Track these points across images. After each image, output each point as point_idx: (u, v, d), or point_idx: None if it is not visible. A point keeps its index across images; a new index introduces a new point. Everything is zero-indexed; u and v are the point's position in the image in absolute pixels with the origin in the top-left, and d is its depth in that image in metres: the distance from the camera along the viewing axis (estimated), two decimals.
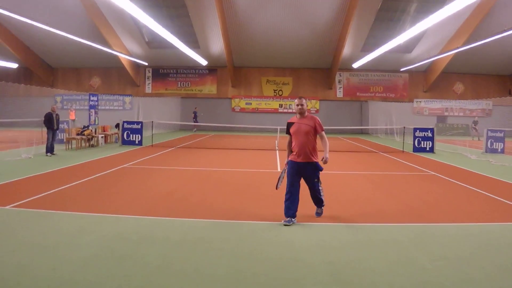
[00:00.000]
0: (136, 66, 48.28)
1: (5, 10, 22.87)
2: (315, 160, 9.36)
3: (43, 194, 11.80)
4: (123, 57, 43.28)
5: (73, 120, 25.86)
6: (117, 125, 29.40)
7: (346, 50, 41.97)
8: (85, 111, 41.99)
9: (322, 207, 10.04)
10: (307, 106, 22.46)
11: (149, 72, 49.20)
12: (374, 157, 22.85)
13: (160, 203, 11.14)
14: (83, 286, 5.98)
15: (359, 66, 44.35)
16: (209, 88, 48.65)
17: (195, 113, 45.53)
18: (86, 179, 14.33)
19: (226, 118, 46.93)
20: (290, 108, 47.46)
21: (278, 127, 28.55)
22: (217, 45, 42.38)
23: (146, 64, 46.46)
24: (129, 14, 34.43)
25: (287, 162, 9.53)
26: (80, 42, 33.40)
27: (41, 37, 41.98)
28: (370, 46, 40.59)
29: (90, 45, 34.78)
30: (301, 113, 9.48)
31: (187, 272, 6.58)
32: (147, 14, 23.77)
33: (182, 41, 32.93)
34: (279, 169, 17.67)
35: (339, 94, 47.86)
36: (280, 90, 47.84)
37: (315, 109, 47.23)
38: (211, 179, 14.89)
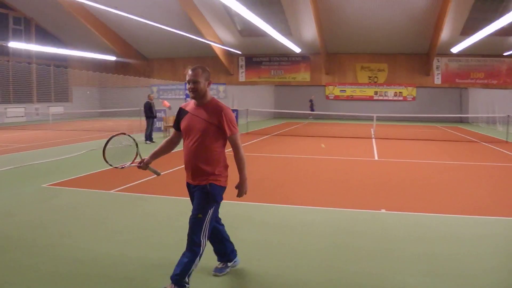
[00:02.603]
0: (229, 55, 48.72)
1: (102, 5, 23.62)
2: (211, 181, 5.45)
3: (145, 179, 12.31)
4: (216, 46, 43.76)
5: (169, 108, 26.42)
6: None
7: (444, 34, 40.44)
8: (180, 100, 42.81)
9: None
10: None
11: (242, 60, 49.57)
12: (474, 147, 21.96)
13: (256, 188, 11.27)
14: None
15: (458, 51, 42.59)
16: (303, 75, 48.45)
17: (311, 101, 45.64)
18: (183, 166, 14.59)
19: (320, 105, 46.45)
20: (385, 95, 46.52)
21: (374, 115, 28.19)
22: (310, 32, 42.03)
23: (239, 52, 46.77)
24: (221, 3, 34.70)
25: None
26: (174, 32, 33.99)
27: (136, 30, 43.09)
28: (470, 30, 38.90)
29: (184, 36, 35.36)
30: (196, 96, 5.45)
31: (284, 255, 6.67)
32: (239, 3, 23.89)
33: (274, 29, 32.90)
34: (376, 157, 17.46)
35: (437, 80, 46.24)
36: (375, 76, 46.94)
37: (412, 97, 46.07)
38: (305, 166, 14.95)
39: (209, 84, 5.46)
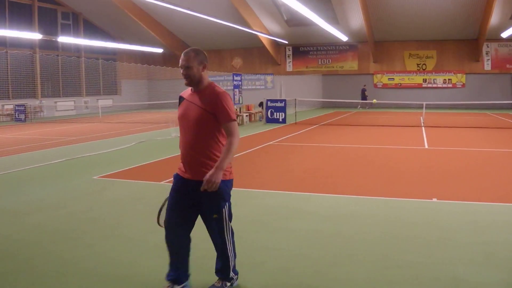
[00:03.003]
0: (276, 45, 48.65)
1: None
2: None
3: None
4: (263, 36, 43.78)
5: None
6: (260, 104, 29.94)
7: (494, 19, 39.46)
8: (228, 91, 43.03)
9: (230, 283, 5.24)
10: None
11: (289, 50, 49.43)
12: None
13: (307, 179, 11.32)
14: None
15: (508, 36, 41.73)
16: (350, 64, 48.04)
17: (363, 90, 45.36)
18: (235, 156, 14.67)
19: (368, 94, 46.06)
20: (434, 82, 45.72)
21: (424, 103, 27.76)
22: (357, 20, 41.59)
23: (286, 42, 46.69)
24: None
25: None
26: (220, 24, 34.12)
27: (183, 22, 43.37)
28: None
29: (231, 27, 35.47)
30: (190, 83, 4.92)
31: (336, 247, 6.64)
32: None
33: (321, 17, 32.66)
34: (426, 146, 17.22)
35: (487, 66, 45.13)
36: (424, 64, 46.12)
37: (461, 84, 45.18)
38: (355, 156, 14.86)
39: (204, 68, 4.89)
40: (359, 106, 45.18)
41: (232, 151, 4.75)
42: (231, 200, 5.11)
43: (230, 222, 5.05)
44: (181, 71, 4.86)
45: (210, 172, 4.60)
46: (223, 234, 5.01)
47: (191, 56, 4.84)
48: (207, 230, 5.07)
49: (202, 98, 4.83)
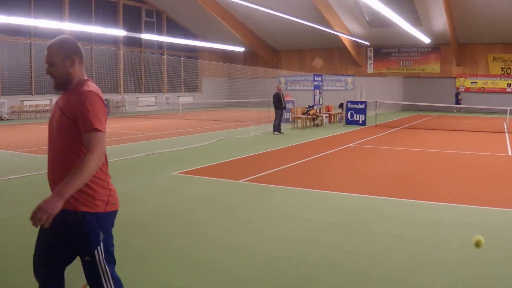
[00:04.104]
0: (357, 46, 48.19)
1: None
2: (80, 208, 3.48)
3: (273, 170, 12.45)
4: (344, 37, 43.44)
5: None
6: (340, 105, 29.72)
7: None
8: (307, 92, 42.96)
9: None
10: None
11: (370, 51, 48.86)
12: None
13: (386, 182, 11.12)
14: (311, 258, 6.14)
15: None
16: (432, 67, 46.96)
17: (457, 94, 44.45)
18: (313, 157, 14.82)
19: (450, 98, 44.90)
20: None
21: (508, 108, 26.90)
22: (440, 21, 40.63)
23: (368, 43, 46.14)
24: None
25: None
26: (302, 24, 34.05)
27: (265, 22, 43.54)
28: None
29: (312, 27, 35.34)
30: (57, 84, 3.66)
31: (416, 253, 6.44)
32: None
33: (403, 19, 32.15)
34: (509, 153, 16.64)
35: None
36: (508, 68, 44.46)
37: None
38: (436, 161, 14.47)
39: (72, 63, 3.59)
40: (455, 110, 44.06)
41: (85, 173, 3.32)
42: None
43: (111, 265, 3.68)
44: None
45: (45, 199, 3.24)
46: (99, 281, 3.61)
47: (53, 50, 3.60)
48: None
49: (67, 101, 3.57)
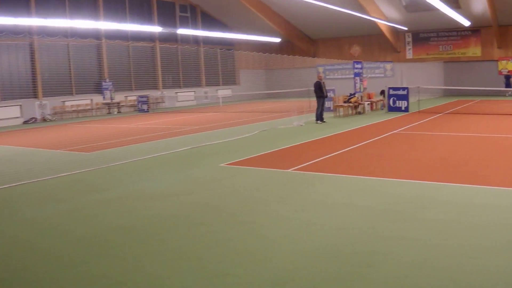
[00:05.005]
0: (395, 32, 47.57)
1: None
2: None
3: (320, 159, 12.45)
4: (381, 23, 42.95)
5: (365, 88, 26.90)
6: (382, 92, 29.39)
7: None
8: (347, 80, 42.67)
9: None
10: None
11: (408, 37, 48.15)
12: None
13: (436, 168, 10.97)
14: (369, 246, 6.10)
15: None
16: (473, 50, 46.08)
17: (507, 77, 43.63)
18: (359, 144, 14.72)
19: (492, 82, 44.04)
20: None
21: None
22: (479, 3, 39.76)
23: (406, 29, 45.48)
24: None
25: None
26: (337, 11, 33.69)
27: (300, 11, 43.26)
28: None
29: (348, 14, 34.96)
30: None
31: (474, 238, 6.32)
32: None
33: (441, 1, 31.61)
34: None
35: None
36: None
37: None
38: (485, 145, 14.19)
39: None
40: (508, 93, 43.03)
41: None
42: None
43: None
44: None
45: None
46: None
47: None
48: None
49: None
